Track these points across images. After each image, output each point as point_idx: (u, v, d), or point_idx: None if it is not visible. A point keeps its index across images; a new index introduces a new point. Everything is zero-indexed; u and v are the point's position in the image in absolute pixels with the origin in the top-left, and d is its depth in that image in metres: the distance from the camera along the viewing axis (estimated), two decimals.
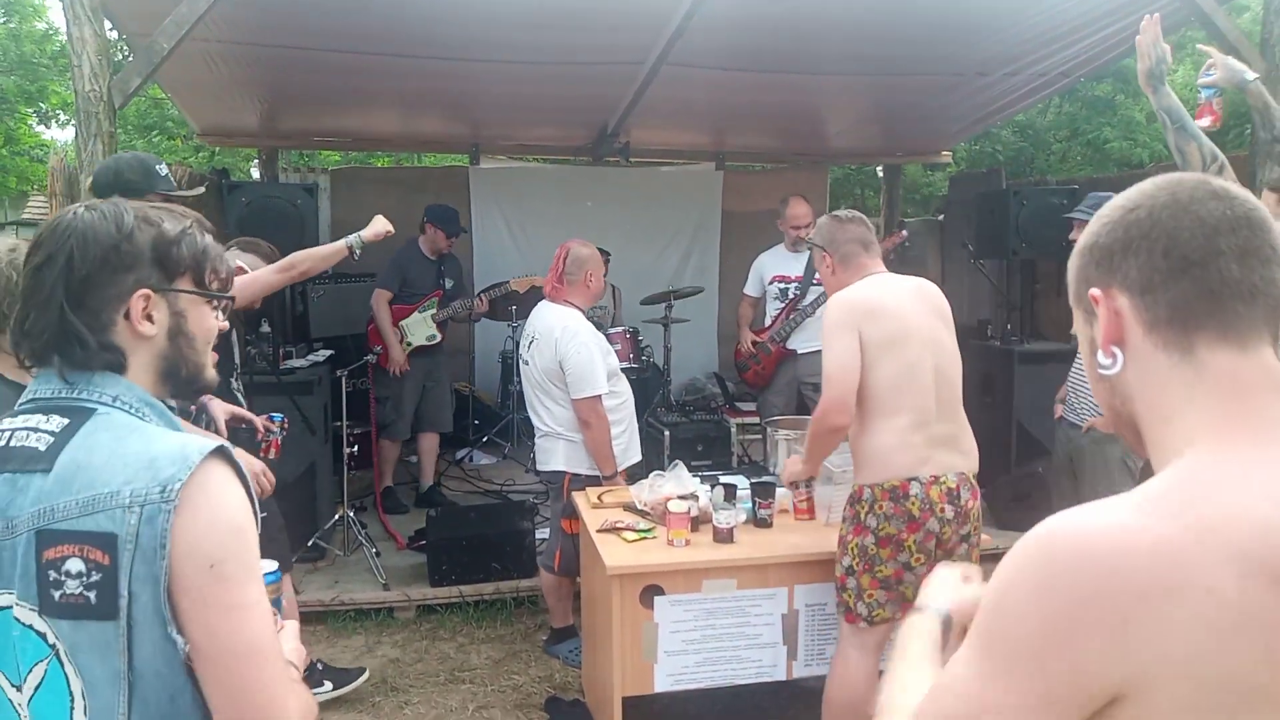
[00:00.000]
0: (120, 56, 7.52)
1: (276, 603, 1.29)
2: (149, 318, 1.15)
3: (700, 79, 5.25)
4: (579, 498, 3.42)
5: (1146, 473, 0.86)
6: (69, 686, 1.04)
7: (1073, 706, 0.74)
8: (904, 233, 5.62)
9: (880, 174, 9.06)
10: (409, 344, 5.31)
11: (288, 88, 5.52)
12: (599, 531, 3.03)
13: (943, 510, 2.60)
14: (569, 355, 3.48)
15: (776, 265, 5.20)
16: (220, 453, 1.09)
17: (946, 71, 5.37)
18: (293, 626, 1.29)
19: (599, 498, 3.36)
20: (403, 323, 5.33)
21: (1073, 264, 0.94)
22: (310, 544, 4.52)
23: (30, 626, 1.04)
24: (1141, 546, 0.73)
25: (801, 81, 5.42)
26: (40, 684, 1.04)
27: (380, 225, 3.32)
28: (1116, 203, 0.91)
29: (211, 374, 1.24)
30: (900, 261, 7.28)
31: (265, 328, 4.85)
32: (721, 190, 7.45)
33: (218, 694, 1.05)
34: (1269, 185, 2.62)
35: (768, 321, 5.26)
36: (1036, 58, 5.15)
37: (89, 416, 1.09)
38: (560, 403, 3.56)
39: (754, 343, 5.23)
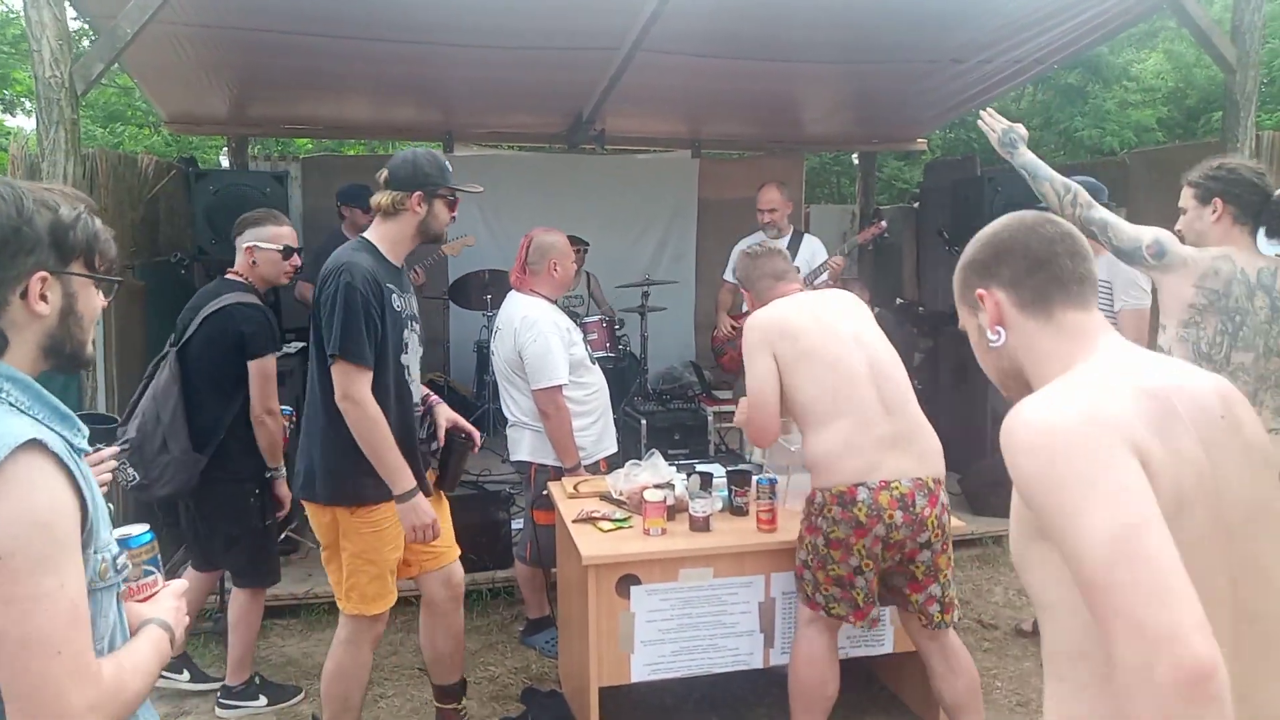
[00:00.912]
0: (86, 42, 7.38)
1: (154, 561, 1.38)
2: (44, 298, 1.19)
3: (675, 65, 5.21)
4: (555, 488, 3.40)
5: None
6: None
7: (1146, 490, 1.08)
8: (883, 223, 5.60)
9: (856, 161, 9.07)
10: None
11: (257, 73, 5.43)
12: (574, 521, 3.01)
13: (891, 517, 2.55)
14: (526, 345, 3.45)
15: None
16: (33, 445, 1.10)
17: (922, 59, 5.37)
18: (174, 587, 1.36)
19: (575, 487, 3.34)
20: None
21: (958, 277, 1.42)
22: (283, 537, 4.47)
23: None
24: (1069, 419, 1.14)
25: (777, 69, 5.40)
26: None
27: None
28: (985, 233, 1.40)
29: (90, 351, 1.28)
30: (876, 250, 7.32)
31: None
32: (698, 178, 7.43)
33: (4, 679, 1.08)
34: (1187, 181, 2.67)
35: (745, 308, 5.26)
36: (1011, 44, 5.16)
37: None
38: (525, 393, 3.54)
39: (732, 328, 5.24)
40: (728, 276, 5.37)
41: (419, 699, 3.43)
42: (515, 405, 3.62)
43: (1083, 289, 1.31)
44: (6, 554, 1.06)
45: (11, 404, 1.15)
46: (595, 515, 3.03)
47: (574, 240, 6.59)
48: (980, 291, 1.36)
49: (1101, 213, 2.71)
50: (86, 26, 6.72)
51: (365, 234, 2.78)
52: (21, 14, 3.64)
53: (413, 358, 2.79)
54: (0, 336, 1.17)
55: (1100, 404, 1.14)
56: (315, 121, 6.72)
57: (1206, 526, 1.13)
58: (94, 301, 1.27)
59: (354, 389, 2.55)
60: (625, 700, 3.24)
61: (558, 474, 3.52)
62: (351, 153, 9.79)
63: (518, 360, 3.49)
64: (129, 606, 1.32)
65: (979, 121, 2.98)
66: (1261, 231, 2.55)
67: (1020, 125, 2.89)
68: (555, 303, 3.71)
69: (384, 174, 2.73)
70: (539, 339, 3.46)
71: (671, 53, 4.99)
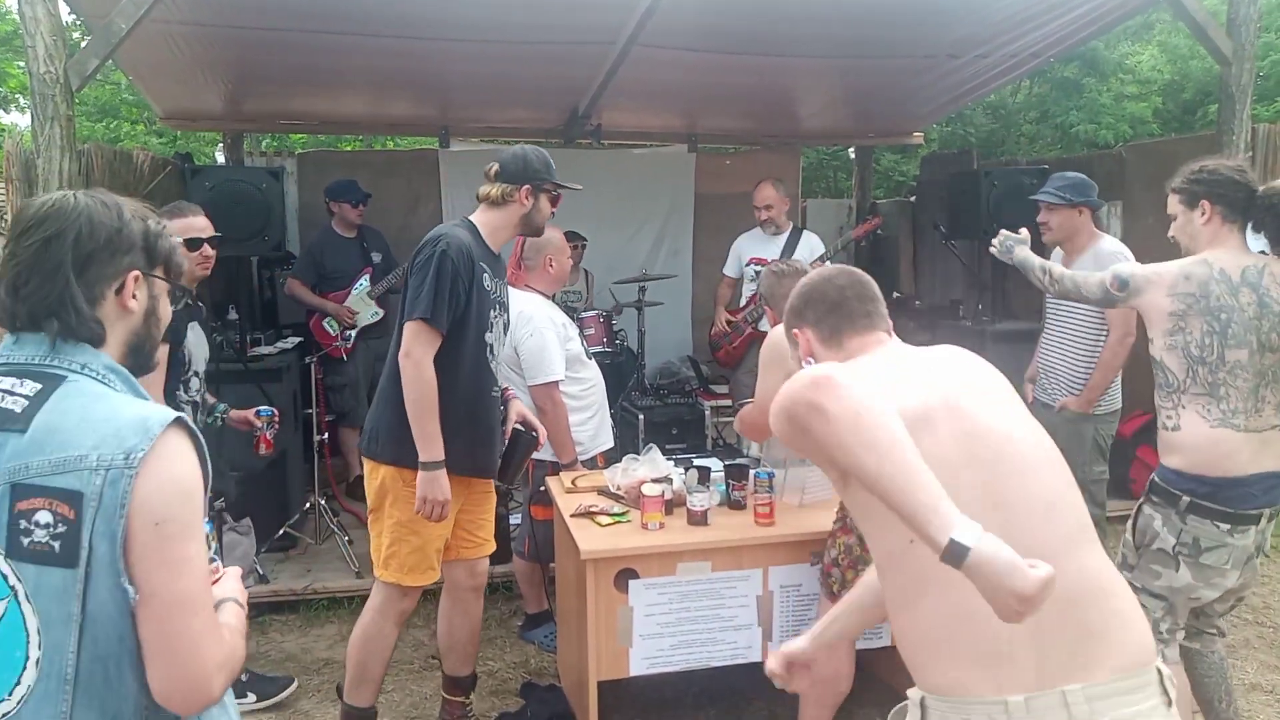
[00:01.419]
0: (79, 36, 7.35)
1: (216, 550, 1.48)
2: (135, 296, 1.31)
3: (671, 60, 5.20)
4: (553, 482, 3.41)
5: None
6: (25, 624, 1.17)
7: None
8: (878, 219, 5.60)
9: (852, 155, 9.07)
10: (354, 326, 5.25)
11: (252, 69, 5.42)
12: (573, 516, 3.02)
13: None
14: (522, 341, 3.46)
15: (753, 248, 5.24)
16: (179, 424, 1.22)
17: (918, 54, 5.37)
18: (234, 571, 1.46)
19: (573, 482, 3.34)
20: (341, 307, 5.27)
21: (784, 321, 1.88)
22: (281, 533, 4.47)
23: None
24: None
25: (773, 64, 5.40)
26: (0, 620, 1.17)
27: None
28: (799, 286, 1.85)
29: (156, 359, 1.41)
30: (872, 244, 7.32)
31: (233, 315, 4.78)
32: (694, 172, 7.41)
33: (149, 637, 1.19)
34: (1171, 189, 2.68)
35: (743, 302, 5.27)
36: (1007, 39, 5.15)
37: (60, 383, 1.22)
38: (521, 389, 3.53)
39: (728, 322, 5.25)
40: (727, 271, 5.38)
41: (419, 694, 3.44)
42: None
43: (868, 321, 1.75)
44: (162, 520, 1.18)
45: (126, 392, 1.27)
46: (593, 510, 3.04)
47: (571, 235, 6.60)
48: (795, 331, 1.82)
49: (1069, 278, 2.89)
50: (79, 22, 6.69)
51: (470, 217, 2.88)
52: (15, 10, 3.62)
53: (496, 339, 2.88)
54: (99, 326, 1.27)
55: (849, 366, 1.61)
56: (311, 117, 6.70)
57: (949, 432, 1.46)
58: (168, 308, 1.40)
59: (417, 349, 2.65)
60: (624, 694, 3.25)
61: (554, 469, 3.52)
62: (348, 148, 9.78)
63: (514, 356, 3.49)
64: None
65: (990, 248, 3.27)
66: (1249, 227, 2.56)
67: (1023, 231, 3.22)
68: (551, 298, 3.71)
69: (494, 167, 2.86)
70: (535, 334, 3.47)
71: (667, 47, 4.98)
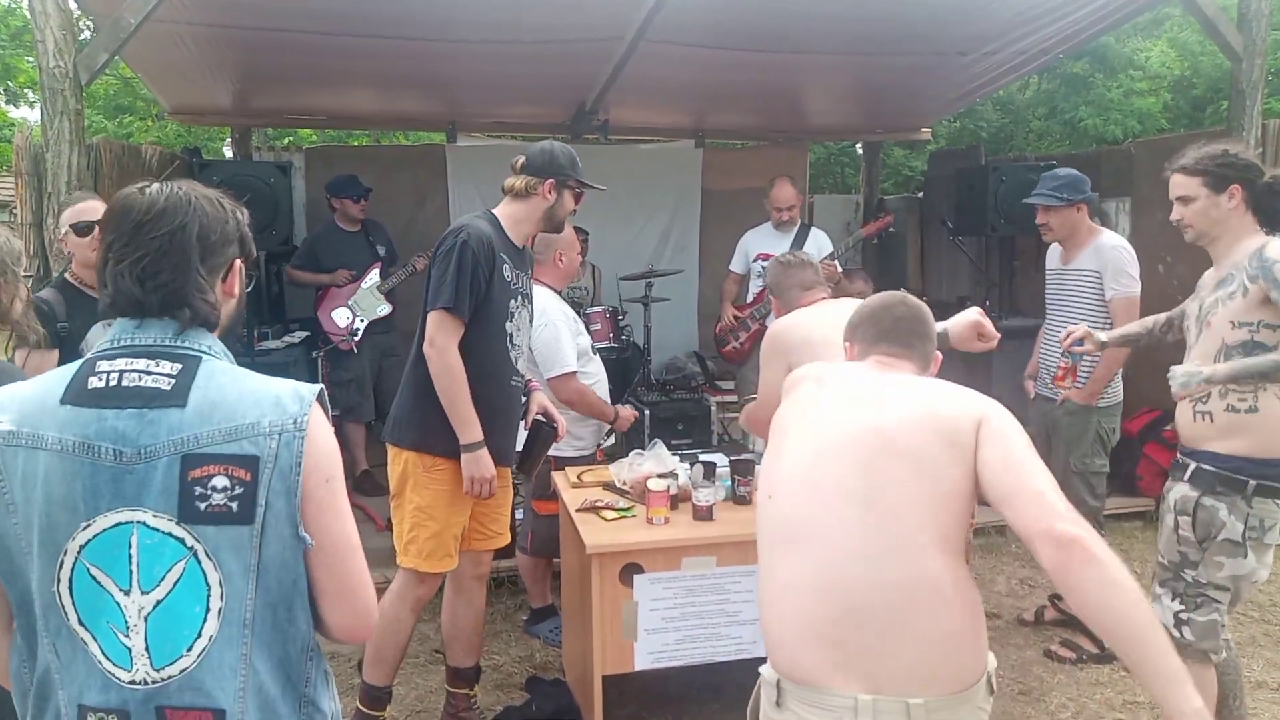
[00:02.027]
0: (89, 33, 7.37)
1: None
2: (237, 283, 1.44)
3: (678, 56, 5.20)
4: (559, 478, 3.41)
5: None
6: (205, 579, 1.28)
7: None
8: (889, 217, 5.56)
9: (860, 151, 9.05)
10: (363, 321, 5.25)
11: (259, 67, 5.43)
12: (578, 511, 3.02)
13: None
14: (536, 334, 3.45)
15: (761, 244, 5.21)
16: (320, 394, 1.38)
17: (928, 50, 5.35)
18: None
19: (579, 477, 3.35)
20: (351, 301, 5.27)
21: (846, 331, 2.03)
22: None
23: (169, 534, 1.27)
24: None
25: (781, 60, 5.39)
26: (179, 580, 1.28)
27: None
28: (862, 305, 2.04)
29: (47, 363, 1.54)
30: (879, 241, 7.31)
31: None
32: (701, 168, 7.40)
33: (329, 579, 1.34)
34: (1186, 169, 2.61)
35: (750, 298, 5.26)
36: (1016, 36, 5.14)
37: (199, 363, 1.32)
38: (542, 383, 3.53)
39: (735, 318, 5.24)
40: (734, 267, 5.36)
41: (424, 687, 3.45)
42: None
43: (908, 340, 1.92)
44: (333, 476, 1.34)
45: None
46: (599, 504, 3.04)
47: (574, 230, 6.60)
48: (846, 345, 2.02)
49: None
50: (87, 16, 6.71)
51: (494, 210, 2.92)
52: (25, 5, 3.64)
53: (518, 329, 2.92)
54: (215, 310, 1.38)
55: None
56: (319, 112, 6.72)
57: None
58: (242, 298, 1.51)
59: (440, 337, 2.70)
60: (629, 689, 3.26)
61: (559, 465, 3.52)
62: (356, 143, 9.79)
63: (527, 350, 3.48)
64: None
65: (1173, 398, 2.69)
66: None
67: (1201, 369, 2.55)
68: (560, 293, 3.71)
69: (520, 160, 2.89)
70: (549, 326, 3.48)
71: (674, 43, 4.97)
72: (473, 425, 2.73)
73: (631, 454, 3.26)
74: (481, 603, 3.09)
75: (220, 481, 1.27)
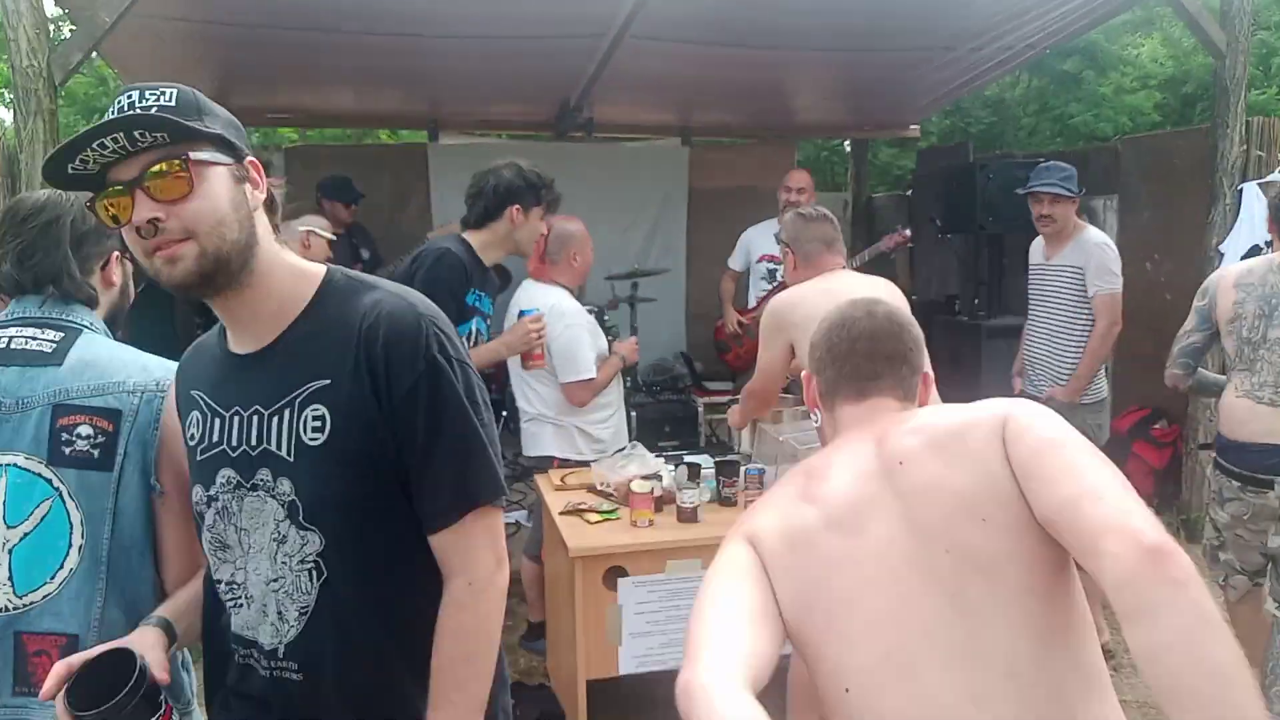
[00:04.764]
0: (66, 32, 7.29)
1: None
2: (116, 273, 1.61)
3: (663, 52, 5.16)
4: (541, 480, 3.37)
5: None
6: (69, 518, 1.44)
7: None
8: (906, 232, 5.32)
9: (848, 148, 9.03)
10: None
11: (238, 65, 5.37)
12: (561, 514, 2.99)
13: None
14: (556, 335, 3.34)
15: (767, 244, 5.02)
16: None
17: (913, 47, 5.33)
18: None
19: (563, 479, 3.31)
20: None
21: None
22: None
23: (38, 475, 1.43)
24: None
25: (766, 56, 5.35)
26: (45, 516, 1.43)
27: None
28: (823, 321, 1.52)
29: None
30: (873, 236, 7.28)
31: None
32: (688, 166, 7.37)
33: (171, 531, 1.49)
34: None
35: (752, 302, 5.16)
36: (1002, 31, 5.12)
37: (80, 333, 1.52)
38: (547, 383, 3.45)
39: (739, 323, 5.13)
40: (732, 264, 5.24)
41: None
42: (536, 397, 3.50)
43: (874, 379, 1.43)
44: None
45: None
46: (583, 507, 3.01)
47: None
48: (806, 373, 1.52)
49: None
50: (64, 14, 6.64)
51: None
52: None
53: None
54: (94, 290, 1.56)
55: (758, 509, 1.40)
56: (299, 111, 6.65)
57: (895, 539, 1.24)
58: (132, 290, 1.68)
59: None
60: (613, 693, 3.22)
61: (582, 469, 3.45)
62: (335, 142, 9.71)
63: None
64: None
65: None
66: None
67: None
68: (572, 293, 3.64)
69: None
70: (570, 328, 3.38)
71: (659, 39, 4.94)
72: None
73: (614, 455, 3.22)
74: None
75: (85, 430, 1.44)
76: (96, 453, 1.44)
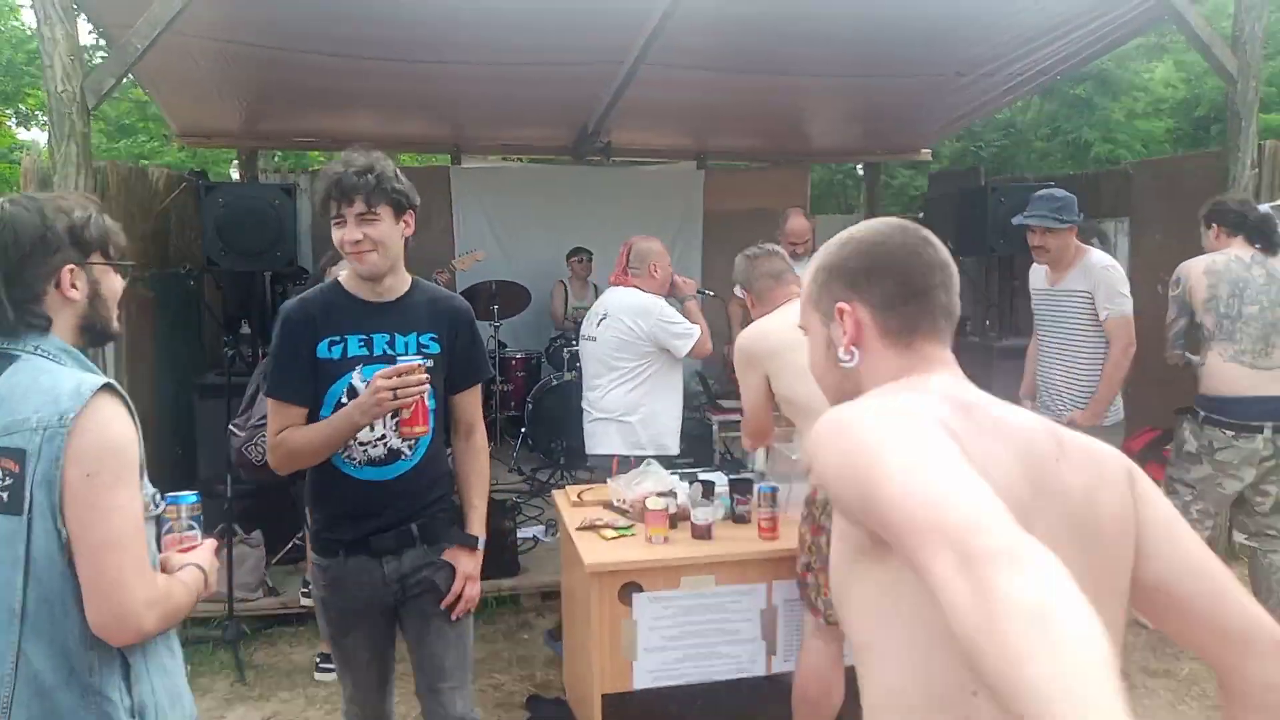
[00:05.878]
0: (99, 59, 7.46)
1: (197, 520, 1.62)
2: (74, 286, 1.47)
3: (680, 79, 5.25)
4: (559, 496, 3.42)
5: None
6: None
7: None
8: None
9: (860, 171, 9.09)
10: None
11: (267, 89, 5.50)
12: (578, 530, 3.03)
13: None
14: (666, 323, 3.66)
15: None
16: (109, 389, 1.40)
17: (926, 73, 5.40)
18: (209, 544, 1.62)
19: (579, 496, 3.36)
20: None
21: (816, 276, 1.25)
22: (291, 546, 4.50)
23: None
24: (869, 407, 1.06)
25: (781, 83, 5.44)
26: None
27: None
28: (858, 235, 1.23)
29: (116, 326, 1.56)
30: None
31: (245, 329, 4.83)
32: (703, 190, 7.45)
33: (82, 575, 1.36)
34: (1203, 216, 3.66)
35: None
36: (1014, 58, 5.18)
37: (12, 362, 1.41)
38: (620, 382, 3.67)
39: None
40: (738, 290, 5.33)
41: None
42: (606, 397, 3.72)
43: (949, 323, 1.20)
44: (94, 472, 1.35)
45: (75, 367, 1.44)
46: (598, 523, 3.05)
47: (576, 250, 6.64)
48: (843, 306, 1.19)
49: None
50: (98, 40, 6.80)
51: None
52: (35, 30, 3.71)
53: None
54: (44, 317, 1.45)
55: (906, 400, 1.07)
56: (325, 135, 6.78)
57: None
58: (115, 284, 1.55)
59: None
60: (628, 708, 3.25)
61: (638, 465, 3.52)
62: None
63: (631, 341, 3.65)
64: (171, 555, 1.57)
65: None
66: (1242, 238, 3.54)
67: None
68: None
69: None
70: (663, 313, 3.70)
71: (675, 66, 5.03)
72: None
73: (631, 472, 3.28)
74: None
75: None
76: (5, 496, 1.35)
